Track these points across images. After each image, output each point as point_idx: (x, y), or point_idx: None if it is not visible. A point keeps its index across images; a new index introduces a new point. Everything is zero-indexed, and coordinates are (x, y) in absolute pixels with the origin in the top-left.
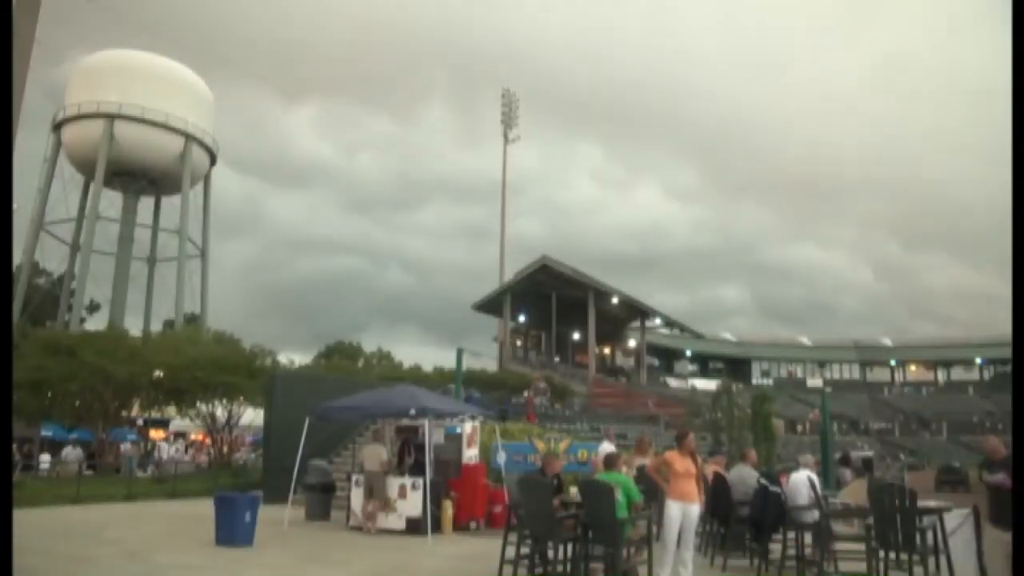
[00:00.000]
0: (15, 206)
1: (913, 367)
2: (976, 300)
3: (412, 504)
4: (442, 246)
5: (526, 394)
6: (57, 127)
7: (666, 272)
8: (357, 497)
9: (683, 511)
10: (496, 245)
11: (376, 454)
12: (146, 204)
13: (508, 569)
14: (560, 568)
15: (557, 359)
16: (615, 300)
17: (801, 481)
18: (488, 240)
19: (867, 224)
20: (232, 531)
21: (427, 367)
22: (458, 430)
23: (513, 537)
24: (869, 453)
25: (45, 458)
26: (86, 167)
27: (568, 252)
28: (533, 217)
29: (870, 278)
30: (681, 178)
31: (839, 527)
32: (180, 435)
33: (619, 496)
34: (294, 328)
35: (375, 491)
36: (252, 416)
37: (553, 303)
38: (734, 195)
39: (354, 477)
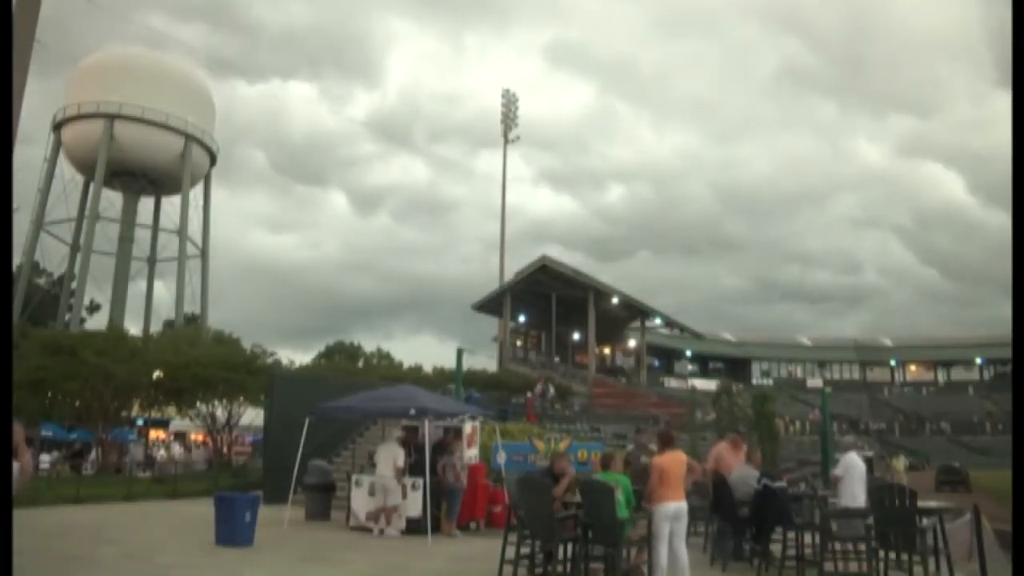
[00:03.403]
0: (15, 206)
1: (913, 367)
2: None
3: (412, 504)
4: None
5: (528, 394)
6: (57, 127)
7: None
8: (358, 497)
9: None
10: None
11: (391, 456)
12: (146, 204)
13: (508, 569)
14: (560, 568)
15: (557, 359)
16: (615, 300)
17: (857, 466)
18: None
19: None
20: (232, 531)
21: (427, 367)
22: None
23: (513, 537)
24: (869, 453)
25: (45, 458)
26: (86, 167)
27: None
28: None
29: None
30: None
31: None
32: (180, 435)
33: (619, 496)
34: (290, 322)
35: (389, 496)
36: (252, 416)
37: (553, 303)
38: None
39: (354, 477)
